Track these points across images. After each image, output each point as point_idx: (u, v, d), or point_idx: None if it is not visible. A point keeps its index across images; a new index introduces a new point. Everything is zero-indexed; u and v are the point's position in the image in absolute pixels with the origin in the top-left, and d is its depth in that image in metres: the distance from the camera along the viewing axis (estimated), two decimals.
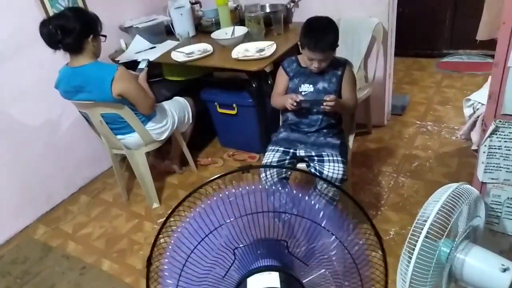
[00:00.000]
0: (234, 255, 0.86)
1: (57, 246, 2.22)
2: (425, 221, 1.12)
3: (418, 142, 2.56)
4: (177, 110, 2.34)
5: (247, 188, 0.85)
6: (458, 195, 1.17)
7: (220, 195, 0.85)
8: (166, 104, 2.33)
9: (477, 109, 1.43)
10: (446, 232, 1.07)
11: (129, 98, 1.97)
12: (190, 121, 2.47)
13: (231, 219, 0.84)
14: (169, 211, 0.88)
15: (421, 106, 2.94)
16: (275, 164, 1.70)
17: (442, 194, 1.19)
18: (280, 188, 0.88)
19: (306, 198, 0.88)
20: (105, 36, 1.94)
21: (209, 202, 0.85)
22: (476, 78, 3.18)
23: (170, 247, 0.89)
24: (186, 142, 2.53)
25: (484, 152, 1.22)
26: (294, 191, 0.89)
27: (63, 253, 2.16)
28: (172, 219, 0.88)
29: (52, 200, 2.53)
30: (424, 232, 1.05)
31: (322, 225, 0.86)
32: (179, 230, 0.88)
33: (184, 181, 2.58)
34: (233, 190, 0.84)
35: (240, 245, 0.86)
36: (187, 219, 0.87)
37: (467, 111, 1.46)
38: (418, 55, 3.67)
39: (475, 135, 1.43)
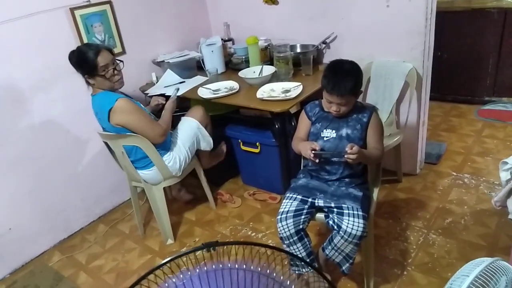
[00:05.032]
0: None
1: (69, 276, 2.19)
2: None
3: (453, 195, 2.36)
4: (184, 139, 2.20)
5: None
6: (491, 273, 1.03)
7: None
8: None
9: None
10: None
11: (131, 129, 1.99)
12: (207, 137, 2.30)
13: None
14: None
15: (459, 156, 2.74)
16: (292, 213, 1.60)
17: (473, 269, 1.04)
18: None
19: None
20: (103, 76, 1.91)
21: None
22: None
23: None
24: (208, 166, 2.45)
25: None
26: None
27: (73, 285, 2.12)
28: None
29: (71, 228, 2.54)
30: None
31: None
32: None
33: (201, 218, 2.51)
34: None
35: None
36: None
37: (504, 175, 1.29)
38: (457, 101, 3.48)
39: None
